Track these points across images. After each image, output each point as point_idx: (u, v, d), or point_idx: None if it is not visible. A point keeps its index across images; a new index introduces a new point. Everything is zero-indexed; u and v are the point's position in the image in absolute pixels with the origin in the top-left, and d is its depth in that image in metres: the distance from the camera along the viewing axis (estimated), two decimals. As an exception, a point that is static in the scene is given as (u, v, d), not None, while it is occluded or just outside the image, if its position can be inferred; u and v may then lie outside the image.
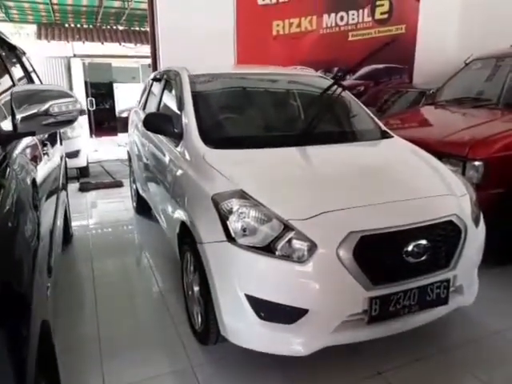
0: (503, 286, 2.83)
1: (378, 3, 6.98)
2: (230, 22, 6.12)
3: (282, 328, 1.79)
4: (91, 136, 12.68)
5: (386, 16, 7.07)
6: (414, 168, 2.35)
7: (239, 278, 1.80)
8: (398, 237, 1.82)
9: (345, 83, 7.19)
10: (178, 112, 2.69)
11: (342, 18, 6.81)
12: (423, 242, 1.84)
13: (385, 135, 2.80)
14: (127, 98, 12.34)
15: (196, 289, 2.17)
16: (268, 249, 1.77)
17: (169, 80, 3.25)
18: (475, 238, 2.09)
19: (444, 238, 1.94)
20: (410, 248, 1.82)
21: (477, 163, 2.91)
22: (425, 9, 7.05)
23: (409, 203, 1.96)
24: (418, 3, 7.13)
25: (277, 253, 1.76)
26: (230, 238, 1.81)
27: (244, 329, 1.84)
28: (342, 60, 6.48)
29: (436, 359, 2.13)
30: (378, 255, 1.80)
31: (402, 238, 1.82)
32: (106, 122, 13.04)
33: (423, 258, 1.85)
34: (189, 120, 2.51)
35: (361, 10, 6.89)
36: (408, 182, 2.16)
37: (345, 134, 2.80)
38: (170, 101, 3.10)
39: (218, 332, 1.95)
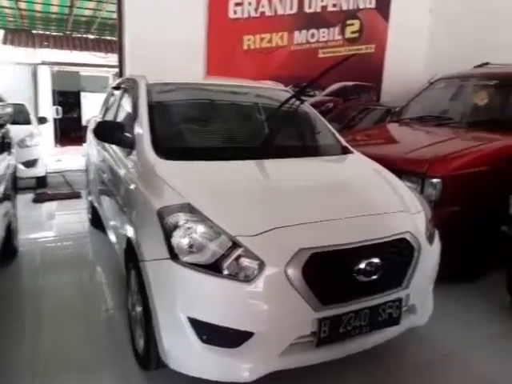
0: (459, 304, 2.82)
1: (348, 22, 7.12)
2: (200, 35, 6.09)
3: (226, 352, 1.68)
4: (56, 145, 12.29)
5: (356, 35, 7.21)
6: (370, 184, 2.32)
7: (182, 300, 1.69)
8: (350, 254, 1.75)
9: (314, 99, 7.37)
10: (132, 121, 2.58)
11: (312, 36, 6.90)
12: (375, 260, 1.78)
13: (345, 151, 2.77)
14: (95, 108, 12.05)
15: (139, 309, 2.04)
16: (214, 267, 1.67)
17: (127, 89, 3.14)
18: (429, 256, 2.05)
19: (397, 256, 1.89)
20: (361, 266, 1.75)
21: (435, 180, 2.92)
22: (393, 30, 7.24)
23: (362, 220, 1.90)
24: (388, 24, 7.32)
25: (224, 272, 1.66)
26: (174, 256, 1.70)
27: (185, 354, 1.72)
28: (312, 76, 6.54)
29: (384, 381, 2.07)
30: (329, 274, 1.73)
31: (354, 256, 1.76)
32: (71, 131, 12.69)
33: (375, 276, 1.78)
34: (141, 129, 2.41)
35: (331, 29, 7.00)
36: (363, 198, 2.11)
37: (304, 148, 2.75)
38: (126, 109, 2.98)
39: (158, 357, 1.82)
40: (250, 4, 6.31)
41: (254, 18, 6.41)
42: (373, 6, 7.21)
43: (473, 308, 2.81)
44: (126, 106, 3.02)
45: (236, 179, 2.11)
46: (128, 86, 3.13)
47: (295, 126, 2.84)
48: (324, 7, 6.79)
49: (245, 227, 1.72)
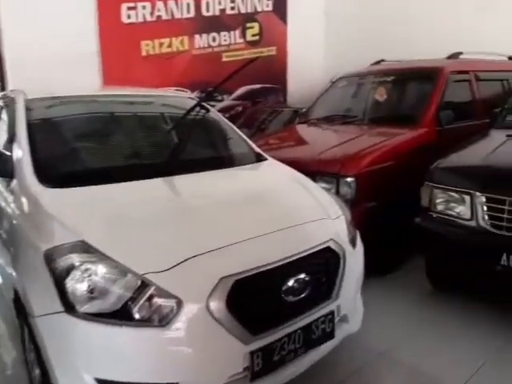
0: (383, 298, 2.83)
1: (248, 25, 7.12)
2: (91, 42, 5.61)
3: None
4: None
5: (257, 38, 7.24)
6: (287, 193, 2.20)
7: (86, 359, 1.40)
8: (276, 274, 1.60)
9: (223, 104, 7.23)
10: (9, 144, 2.17)
11: (214, 39, 6.77)
12: (302, 275, 1.66)
13: (258, 158, 2.63)
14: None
15: (37, 371, 1.69)
16: (122, 314, 1.41)
17: (3, 107, 2.69)
18: (354, 261, 1.99)
19: (323, 268, 1.79)
20: (289, 284, 1.62)
21: (349, 179, 2.92)
22: (292, 32, 7.39)
23: (283, 234, 1.76)
24: (286, 27, 7.45)
25: (134, 318, 1.41)
26: (69, 308, 1.40)
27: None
28: (218, 80, 6.40)
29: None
30: (256, 300, 1.56)
31: (280, 275, 1.61)
32: None
33: (304, 294, 1.66)
34: (20, 153, 2.02)
35: (232, 32, 6.94)
36: (282, 209, 1.98)
37: (215, 159, 2.55)
38: (2, 131, 2.53)
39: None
40: (144, 8, 5.97)
41: (150, 22, 6.08)
42: (270, 8, 7.30)
43: (396, 299, 2.84)
44: (3, 126, 2.56)
45: (139, 203, 1.83)
46: (5, 104, 2.68)
47: (203, 135, 2.64)
48: (222, 10, 6.69)
49: (154, 261, 1.47)
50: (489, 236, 2.25)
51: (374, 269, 3.02)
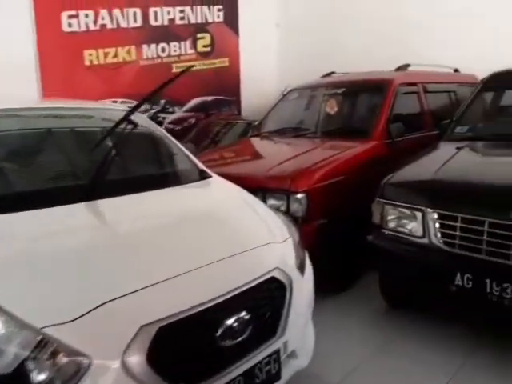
0: (340, 319, 2.70)
1: (199, 36, 6.96)
2: (30, 52, 5.22)
3: None
4: None
5: (208, 49, 7.09)
6: (230, 216, 1.99)
7: None
8: (209, 316, 1.38)
9: (174, 116, 6.96)
10: None
11: (163, 50, 6.53)
12: (242, 313, 1.45)
13: (203, 175, 2.41)
14: None
15: None
16: (18, 376, 1.14)
17: None
18: (303, 288, 1.80)
19: (267, 301, 1.60)
20: (226, 326, 1.40)
21: (299, 195, 2.78)
22: (244, 43, 7.30)
23: (222, 266, 1.55)
24: (238, 38, 7.35)
25: (32, 381, 1.14)
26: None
27: None
28: (169, 92, 6.16)
29: None
30: (185, 349, 1.33)
31: (214, 317, 1.40)
32: None
33: (245, 335, 1.45)
34: None
35: (182, 42, 6.74)
36: (221, 236, 1.77)
37: (150, 178, 2.27)
38: None
39: None
40: (87, 16, 5.65)
41: (94, 31, 5.76)
42: (221, 19, 7.17)
43: (351, 319, 2.72)
44: None
45: (48, 235, 1.56)
46: None
47: (138, 151, 2.39)
48: (171, 20, 6.48)
49: (58, 311, 1.22)
50: (442, 254, 2.15)
51: (328, 288, 2.92)
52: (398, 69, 4.14)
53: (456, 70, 4.83)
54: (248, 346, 1.49)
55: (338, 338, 2.48)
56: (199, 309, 1.35)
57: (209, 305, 1.38)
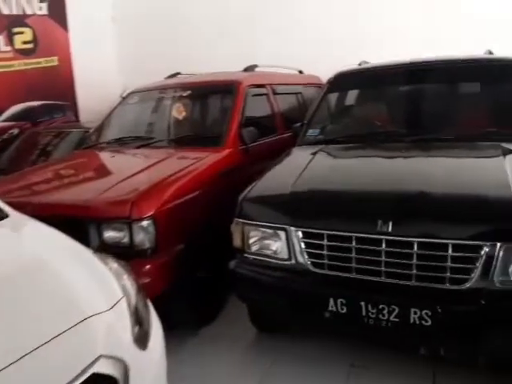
0: (205, 359, 2.30)
1: (15, 30, 5.80)
2: None
3: None
4: None
5: (30, 46, 5.99)
6: (29, 283, 1.33)
7: None
8: None
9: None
10: None
11: (-33, 46, 5.21)
12: None
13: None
14: None
15: None
16: None
17: None
18: (147, 368, 1.31)
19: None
20: None
21: (145, 223, 2.25)
22: (76, 40, 6.35)
23: (10, 372, 0.96)
24: (67, 33, 6.35)
25: None
26: None
27: None
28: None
29: None
30: None
31: None
32: None
33: None
34: None
35: (-5, 38, 5.50)
36: (14, 322, 1.15)
37: None
38: None
39: None
40: None
41: None
42: (44, 12, 6.12)
43: (219, 357, 2.34)
44: None
45: None
46: None
47: None
48: (-27, 9, 5.20)
49: None
50: (311, 277, 1.89)
51: (189, 323, 2.50)
52: (246, 69, 3.91)
53: (300, 72, 4.86)
54: None
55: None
56: None
57: None
